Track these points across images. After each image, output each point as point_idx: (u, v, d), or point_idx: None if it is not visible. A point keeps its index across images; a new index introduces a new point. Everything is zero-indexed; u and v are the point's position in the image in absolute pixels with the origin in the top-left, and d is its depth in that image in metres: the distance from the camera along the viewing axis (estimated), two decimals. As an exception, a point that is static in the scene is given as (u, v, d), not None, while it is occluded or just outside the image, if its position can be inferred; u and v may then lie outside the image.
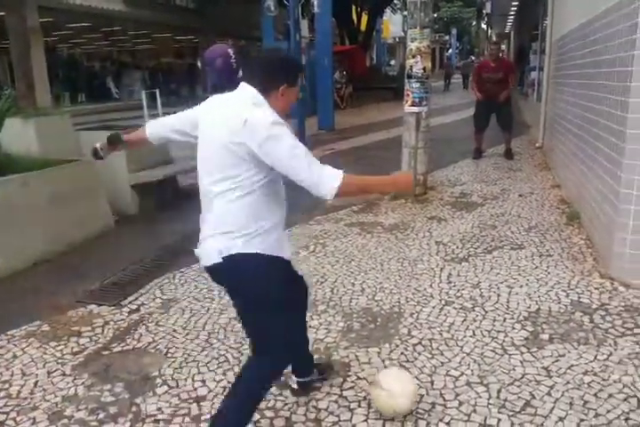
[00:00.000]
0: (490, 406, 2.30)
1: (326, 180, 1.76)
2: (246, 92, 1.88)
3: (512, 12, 20.05)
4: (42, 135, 5.09)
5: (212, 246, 1.90)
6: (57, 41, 21.32)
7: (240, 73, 12.48)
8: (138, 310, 3.33)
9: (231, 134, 1.77)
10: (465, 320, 3.06)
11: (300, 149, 1.77)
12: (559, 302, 3.25)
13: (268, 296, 1.91)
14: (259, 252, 1.87)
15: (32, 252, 4.13)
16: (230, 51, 11.46)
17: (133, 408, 2.34)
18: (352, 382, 2.50)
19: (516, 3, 16.93)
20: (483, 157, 7.99)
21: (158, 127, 2.24)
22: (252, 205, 1.85)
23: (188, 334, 2.99)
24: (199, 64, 21.94)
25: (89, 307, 3.38)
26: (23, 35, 6.80)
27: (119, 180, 5.39)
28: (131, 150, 5.33)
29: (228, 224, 1.86)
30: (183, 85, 25.64)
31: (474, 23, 49.93)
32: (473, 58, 42.67)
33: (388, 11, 29.60)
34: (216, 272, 1.98)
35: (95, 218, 4.86)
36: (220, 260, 1.87)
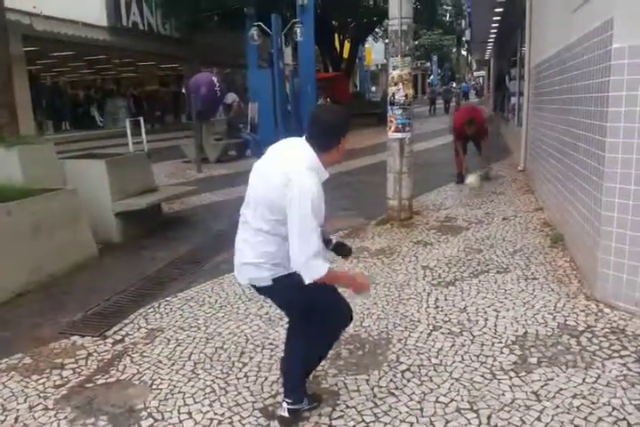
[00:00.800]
0: (481, 433, 2.28)
1: (313, 270, 2.01)
2: (304, 153, 2.09)
3: (491, 40, 20.59)
4: (25, 164, 5.06)
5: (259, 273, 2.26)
6: (41, 69, 21.39)
7: (227, 99, 12.55)
8: (122, 340, 3.27)
9: (276, 187, 2.04)
10: (453, 345, 3.05)
11: (310, 222, 1.99)
12: (546, 325, 3.26)
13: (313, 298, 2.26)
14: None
15: (14, 282, 4.05)
16: (215, 79, 11.60)
17: (117, 443, 2.28)
18: (341, 410, 2.46)
19: (495, 30, 17.41)
20: (464, 182, 8.07)
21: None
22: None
23: (173, 365, 2.94)
24: (184, 91, 22.14)
25: (72, 338, 3.31)
26: (6, 63, 6.80)
27: (103, 208, 5.36)
28: (112, 178, 5.34)
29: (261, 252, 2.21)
30: (168, 113, 25.78)
31: (454, 50, 51.17)
32: (454, 84, 43.60)
33: (370, 39, 30.21)
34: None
35: (78, 247, 4.81)
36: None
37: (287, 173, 2.01)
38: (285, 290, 2.20)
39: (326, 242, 2.35)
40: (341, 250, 2.49)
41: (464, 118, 7.56)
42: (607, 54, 3.20)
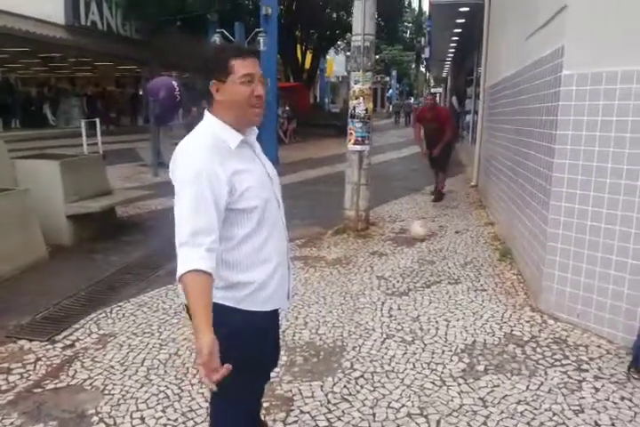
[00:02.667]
0: (430, 438, 2.36)
1: (180, 258, 1.50)
2: (197, 128, 1.67)
3: (449, 58, 21.22)
4: (-25, 162, 4.90)
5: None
6: (-9, 65, 20.69)
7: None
8: (72, 345, 3.21)
9: None
10: (405, 353, 3.14)
11: (188, 201, 1.51)
12: (493, 335, 3.39)
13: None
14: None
15: (-42, 284, 3.91)
16: (175, 83, 11.47)
17: (67, 449, 2.24)
18: (295, 416, 2.50)
19: (453, 50, 17.96)
20: (424, 195, 8.23)
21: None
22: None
23: (125, 370, 2.91)
24: (141, 94, 21.79)
25: (19, 342, 3.21)
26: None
27: (55, 210, 5.23)
28: (66, 180, 5.23)
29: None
30: (124, 115, 25.26)
31: (413, 66, 52.29)
32: (412, 99, 44.60)
33: (331, 51, 30.61)
34: None
35: (28, 249, 4.67)
36: None
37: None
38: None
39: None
40: None
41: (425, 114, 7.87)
42: (557, 80, 3.39)
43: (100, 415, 2.48)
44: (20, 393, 2.66)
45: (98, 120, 10.87)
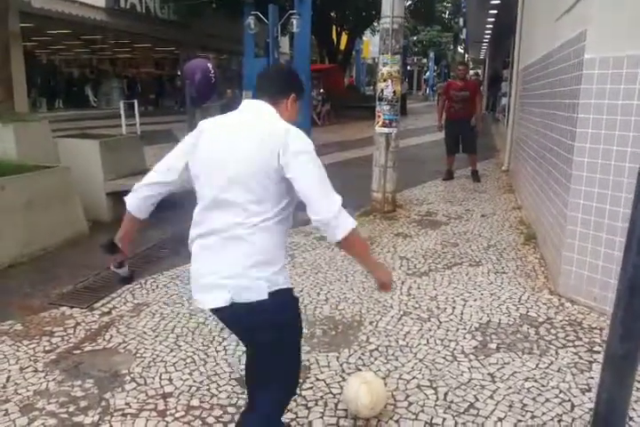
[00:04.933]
0: (436, 407, 2.49)
1: (345, 220, 1.71)
2: (264, 107, 1.84)
3: (486, 40, 20.78)
4: (20, 141, 5.19)
5: (253, 281, 1.70)
6: (36, 46, 21.25)
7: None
8: (109, 312, 3.45)
9: (266, 151, 1.69)
10: (420, 330, 3.26)
11: (325, 175, 1.75)
12: (509, 315, 3.48)
13: (298, 334, 1.95)
14: (290, 286, 1.83)
15: (6, 254, 4.21)
16: (210, 65, 11.63)
17: (102, 403, 2.47)
18: (311, 383, 2.67)
19: (489, 31, 17.60)
20: (452, 179, 8.29)
21: (142, 192, 1.97)
22: (282, 233, 1.81)
23: (157, 337, 3.13)
24: (179, 74, 22.11)
25: (61, 309, 3.48)
26: (5, 41, 6.87)
27: (95, 187, 5.51)
28: (105, 159, 5.49)
29: (268, 255, 1.73)
30: (162, 96, 25.72)
31: (451, 47, 51.26)
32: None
33: (367, 32, 30.28)
34: (249, 311, 1.73)
35: (70, 223, 4.96)
36: (266, 296, 1.70)
37: (271, 133, 1.72)
38: (282, 309, 1.76)
39: None
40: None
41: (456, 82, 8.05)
42: (580, 64, 3.40)
43: (131, 375, 2.71)
44: (61, 354, 2.92)
45: (136, 102, 11.18)
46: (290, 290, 1.82)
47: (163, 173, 1.93)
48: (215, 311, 1.81)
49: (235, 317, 1.78)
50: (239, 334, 1.97)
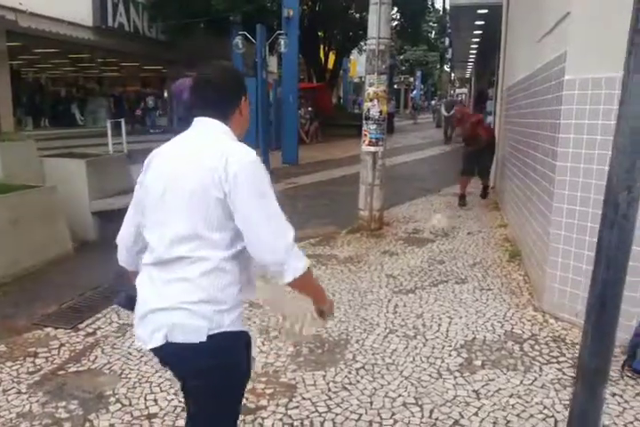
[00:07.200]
0: (422, 425, 2.50)
1: (298, 259, 1.51)
2: (215, 128, 1.61)
3: (471, 59, 21.16)
4: (5, 160, 5.18)
5: (191, 321, 1.50)
6: (22, 64, 21.28)
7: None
8: (94, 333, 3.43)
9: (210, 179, 1.48)
10: (406, 347, 3.28)
11: (274, 205, 1.52)
12: (494, 332, 3.51)
13: (243, 382, 1.71)
14: (242, 330, 1.60)
15: (-10, 274, 4.17)
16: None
17: (87, 424, 2.44)
18: (297, 402, 2.67)
19: (474, 51, 17.94)
20: (441, 197, 8.34)
21: (122, 255, 1.90)
22: (237, 268, 1.56)
23: (142, 357, 3.11)
24: (166, 94, 22.20)
25: (45, 329, 3.45)
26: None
27: (81, 206, 5.49)
28: (91, 178, 5.50)
29: (211, 292, 1.51)
30: (149, 115, 25.72)
31: (438, 66, 52.08)
32: (436, 99, 44.35)
33: (354, 51, 30.70)
34: (186, 353, 1.52)
35: (55, 243, 4.93)
36: (204, 339, 1.49)
37: (215, 155, 1.49)
38: (223, 354, 1.54)
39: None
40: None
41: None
42: (560, 84, 3.50)
43: (116, 396, 2.68)
44: (45, 375, 2.89)
45: (123, 120, 11.19)
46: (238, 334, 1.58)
47: (123, 240, 1.87)
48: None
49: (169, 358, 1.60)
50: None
